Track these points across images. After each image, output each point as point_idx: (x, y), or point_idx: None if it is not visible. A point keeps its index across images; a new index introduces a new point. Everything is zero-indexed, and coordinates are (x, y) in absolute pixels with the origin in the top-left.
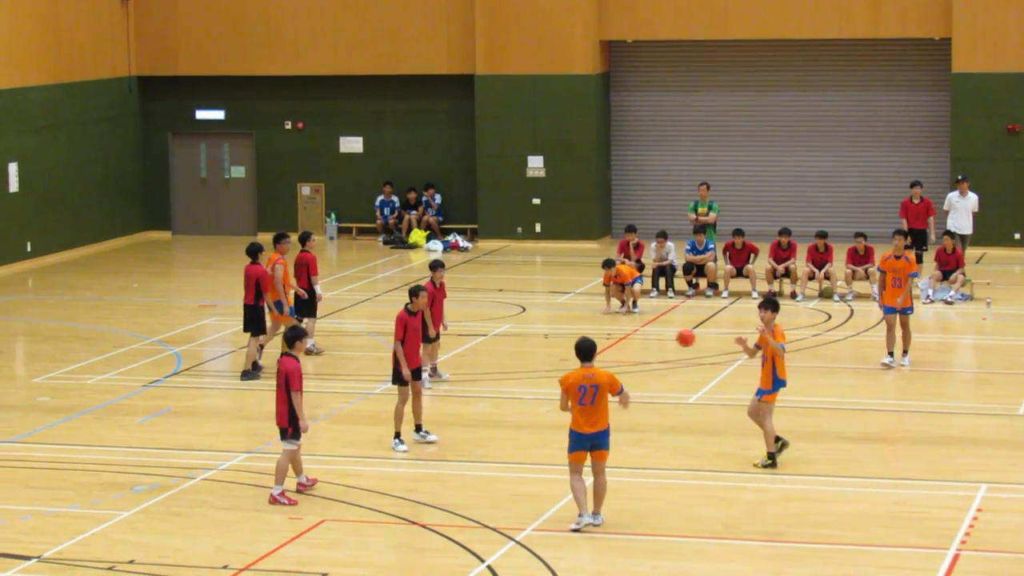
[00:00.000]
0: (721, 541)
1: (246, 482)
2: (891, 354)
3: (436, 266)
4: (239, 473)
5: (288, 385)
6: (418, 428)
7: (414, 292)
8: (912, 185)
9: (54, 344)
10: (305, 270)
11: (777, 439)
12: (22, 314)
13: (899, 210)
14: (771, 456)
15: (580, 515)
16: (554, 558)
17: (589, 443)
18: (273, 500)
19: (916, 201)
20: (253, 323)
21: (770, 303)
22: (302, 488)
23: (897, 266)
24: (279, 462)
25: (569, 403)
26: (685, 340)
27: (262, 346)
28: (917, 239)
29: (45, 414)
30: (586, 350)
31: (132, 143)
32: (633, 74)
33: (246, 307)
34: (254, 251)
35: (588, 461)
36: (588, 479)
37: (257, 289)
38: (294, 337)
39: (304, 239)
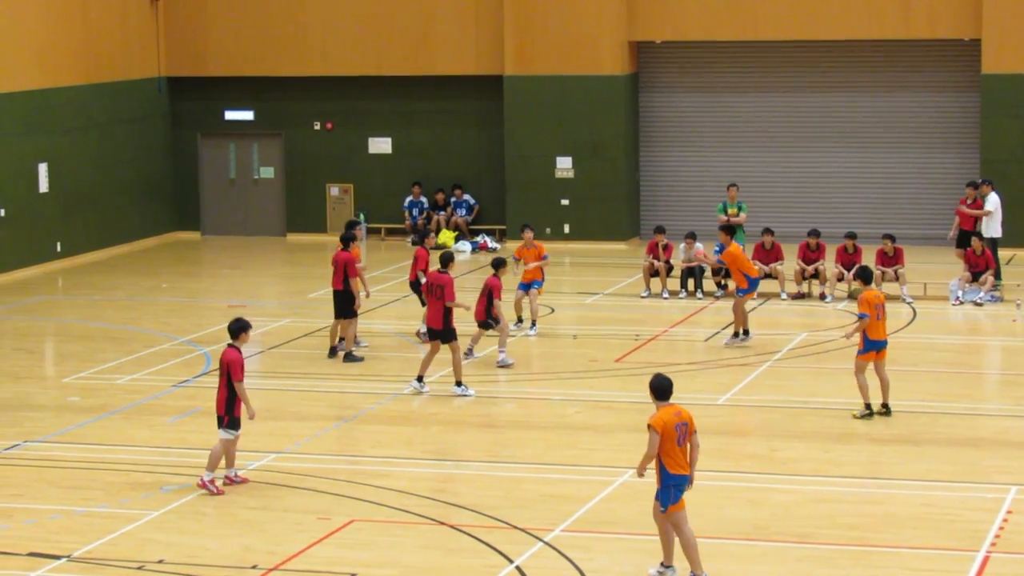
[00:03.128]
0: (750, 543)
1: (275, 482)
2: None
3: (500, 264)
4: (268, 473)
5: (229, 375)
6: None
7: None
8: (968, 185)
9: (84, 344)
10: (417, 264)
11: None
12: (52, 314)
13: (956, 209)
14: None
15: (666, 566)
16: (582, 559)
17: (686, 487)
18: (201, 484)
19: (970, 202)
20: (346, 307)
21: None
22: (229, 482)
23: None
24: (213, 449)
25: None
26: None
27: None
28: (967, 240)
29: (75, 414)
30: (666, 389)
31: (161, 144)
32: (662, 75)
33: (336, 292)
34: (347, 239)
35: None
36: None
37: (345, 274)
38: (238, 329)
39: (424, 236)
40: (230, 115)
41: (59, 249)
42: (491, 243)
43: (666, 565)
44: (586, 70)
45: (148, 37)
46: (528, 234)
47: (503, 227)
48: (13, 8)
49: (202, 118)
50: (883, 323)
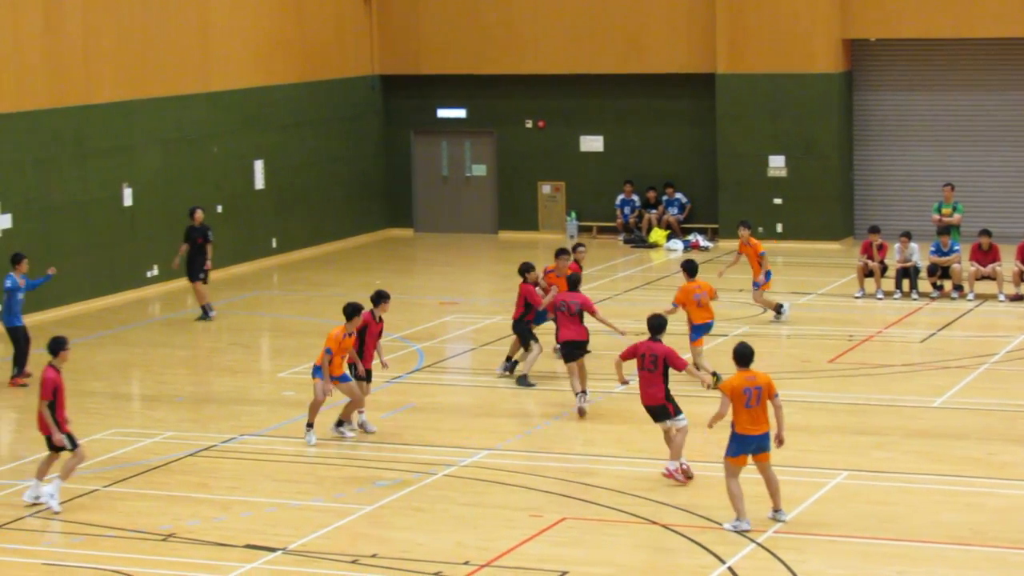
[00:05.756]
0: (967, 547)
1: (487, 479)
2: None
3: (381, 298)
4: (480, 469)
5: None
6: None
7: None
8: None
9: (298, 339)
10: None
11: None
12: (267, 309)
13: None
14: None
15: (738, 519)
16: (796, 561)
17: (755, 445)
18: (668, 474)
19: None
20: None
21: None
22: (672, 474)
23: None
24: (676, 439)
25: (731, 408)
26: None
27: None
28: None
29: (290, 408)
30: (745, 356)
31: (375, 141)
32: (876, 73)
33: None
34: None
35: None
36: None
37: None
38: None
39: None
40: (442, 113)
41: (274, 245)
42: (703, 242)
43: (737, 518)
44: (799, 68)
45: (362, 36)
46: (744, 232)
47: (715, 226)
48: (231, 8)
49: (415, 116)
50: (706, 308)
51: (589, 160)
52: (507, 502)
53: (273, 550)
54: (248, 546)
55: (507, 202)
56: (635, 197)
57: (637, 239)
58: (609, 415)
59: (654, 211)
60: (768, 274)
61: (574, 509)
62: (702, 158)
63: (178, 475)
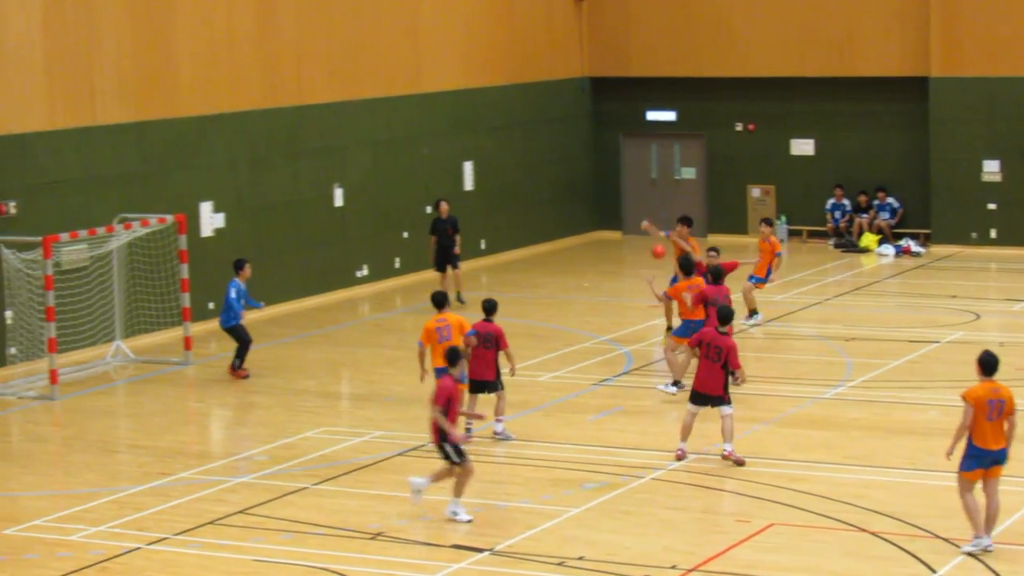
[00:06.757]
0: None
1: (693, 483)
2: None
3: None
4: (686, 474)
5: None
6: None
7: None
8: None
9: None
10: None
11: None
12: (476, 311)
13: None
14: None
15: (978, 537)
16: (1009, 572)
17: (991, 459)
18: (728, 454)
19: None
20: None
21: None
22: (730, 455)
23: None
24: (727, 424)
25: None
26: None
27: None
28: None
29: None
30: (991, 365)
31: (584, 143)
32: None
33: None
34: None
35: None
36: None
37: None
38: None
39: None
40: (652, 115)
41: (483, 247)
42: (914, 247)
43: (977, 536)
44: (1017, 71)
45: (572, 37)
46: (766, 229)
47: (927, 231)
48: (441, 10)
49: (624, 118)
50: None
51: (799, 163)
52: (714, 506)
53: (480, 551)
54: (455, 546)
55: (716, 205)
56: (846, 201)
57: (848, 244)
58: (818, 421)
59: (865, 215)
60: (768, 274)
61: (782, 515)
62: (914, 162)
63: (387, 474)
